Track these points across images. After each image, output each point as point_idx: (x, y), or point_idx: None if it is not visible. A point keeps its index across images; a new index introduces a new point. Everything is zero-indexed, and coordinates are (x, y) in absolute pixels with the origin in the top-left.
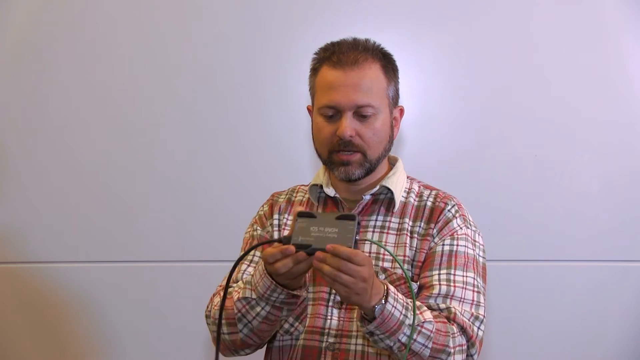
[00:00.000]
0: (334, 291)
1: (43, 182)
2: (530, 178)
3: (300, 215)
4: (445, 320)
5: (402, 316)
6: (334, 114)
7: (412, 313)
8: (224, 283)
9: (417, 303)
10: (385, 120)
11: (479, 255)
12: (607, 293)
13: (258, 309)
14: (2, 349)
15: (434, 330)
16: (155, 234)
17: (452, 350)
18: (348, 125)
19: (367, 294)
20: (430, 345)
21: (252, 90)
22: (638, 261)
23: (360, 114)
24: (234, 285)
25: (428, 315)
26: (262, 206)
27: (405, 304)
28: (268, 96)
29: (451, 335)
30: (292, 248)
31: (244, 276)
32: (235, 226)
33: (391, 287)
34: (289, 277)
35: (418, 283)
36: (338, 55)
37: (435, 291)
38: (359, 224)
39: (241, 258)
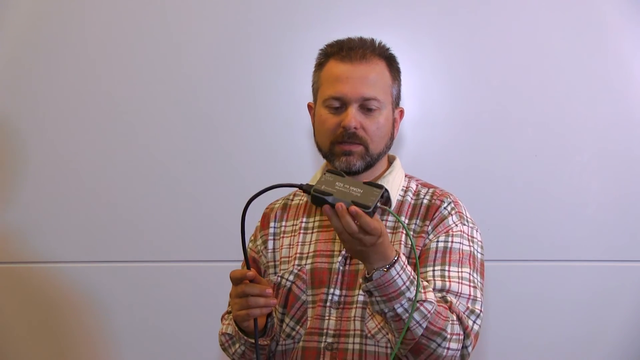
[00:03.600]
0: (331, 291)
1: (43, 182)
2: (530, 178)
3: (330, 171)
4: (447, 307)
5: (404, 287)
6: (339, 105)
7: (417, 290)
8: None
9: (425, 283)
10: (388, 117)
11: (476, 251)
12: (607, 293)
13: (237, 345)
14: (2, 349)
15: (432, 311)
16: (155, 234)
17: (449, 336)
18: (353, 116)
19: (368, 257)
20: (424, 325)
21: (252, 90)
22: (638, 261)
23: (365, 107)
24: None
25: (431, 296)
26: (259, 220)
27: (412, 278)
28: (268, 97)
29: (450, 322)
30: (252, 274)
31: None
32: (235, 226)
33: (403, 257)
34: (246, 319)
35: None
36: (347, 50)
37: (431, 286)
38: (383, 194)
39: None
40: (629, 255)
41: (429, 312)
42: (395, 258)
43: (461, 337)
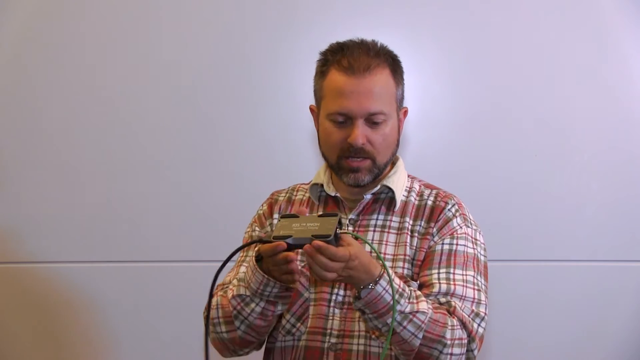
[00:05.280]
0: (335, 291)
1: (43, 182)
2: (530, 178)
3: (284, 216)
4: (446, 313)
5: (392, 300)
6: (344, 120)
7: (409, 300)
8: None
9: (418, 293)
10: (394, 125)
11: (480, 254)
12: (607, 293)
13: (253, 305)
14: (2, 349)
15: (426, 320)
16: (155, 234)
17: (449, 342)
18: (360, 133)
19: (352, 280)
20: (421, 335)
21: (251, 90)
22: (638, 261)
23: (371, 121)
24: (229, 285)
25: (424, 305)
26: (262, 205)
27: (401, 290)
28: (267, 96)
29: (449, 327)
30: (283, 245)
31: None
32: (235, 226)
33: (388, 272)
34: (281, 273)
35: (418, 282)
36: (349, 59)
37: (435, 290)
38: (340, 221)
39: (228, 259)
40: (629, 255)
41: (423, 322)
42: (381, 273)
43: (464, 341)
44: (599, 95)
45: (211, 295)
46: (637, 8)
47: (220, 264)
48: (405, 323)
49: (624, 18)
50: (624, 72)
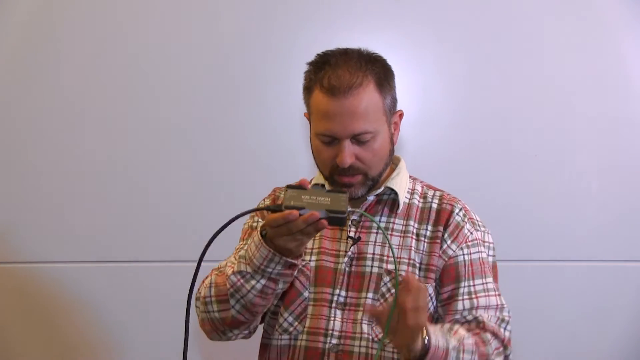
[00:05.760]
0: (336, 292)
1: (42, 181)
2: (530, 178)
3: (290, 187)
4: (478, 331)
5: (444, 342)
6: (331, 140)
7: (449, 334)
8: (222, 264)
9: (448, 326)
10: (384, 138)
11: (490, 256)
12: (607, 293)
13: (253, 282)
14: (1, 348)
15: (474, 343)
16: (155, 234)
17: (493, 357)
18: (347, 154)
19: (420, 325)
20: (476, 358)
21: (251, 90)
22: (638, 261)
23: (358, 140)
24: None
25: (462, 331)
26: (263, 200)
27: (440, 328)
28: (267, 96)
29: (488, 343)
30: (295, 214)
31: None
32: (235, 226)
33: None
34: (293, 240)
35: (440, 294)
36: (329, 79)
37: (459, 307)
38: (349, 197)
39: (230, 222)
40: (629, 255)
41: (472, 345)
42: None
43: (500, 349)
44: (599, 95)
45: (198, 267)
46: (637, 8)
47: (220, 263)
48: (461, 355)
49: (623, 18)
50: (623, 72)
